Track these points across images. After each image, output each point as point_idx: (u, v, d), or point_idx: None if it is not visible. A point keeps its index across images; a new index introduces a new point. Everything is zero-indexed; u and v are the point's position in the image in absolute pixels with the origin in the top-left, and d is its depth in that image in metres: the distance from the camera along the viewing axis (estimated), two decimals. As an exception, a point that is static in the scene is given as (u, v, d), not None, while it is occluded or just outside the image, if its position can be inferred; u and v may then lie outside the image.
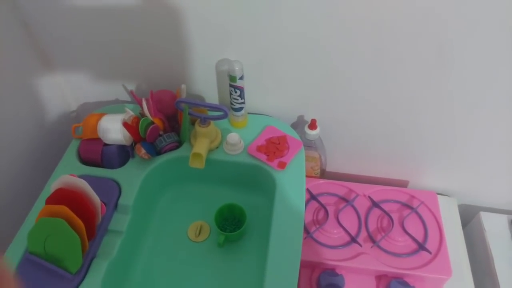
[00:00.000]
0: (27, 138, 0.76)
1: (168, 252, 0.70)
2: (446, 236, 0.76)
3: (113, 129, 0.69)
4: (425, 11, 0.58)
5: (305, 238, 0.75)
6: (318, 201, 0.81)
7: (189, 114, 0.70)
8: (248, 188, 0.75)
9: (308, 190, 0.82)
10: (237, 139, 0.71)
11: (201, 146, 0.68)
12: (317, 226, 0.78)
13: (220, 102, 0.80)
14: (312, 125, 0.76)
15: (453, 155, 0.81)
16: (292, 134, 0.75)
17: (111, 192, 0.67)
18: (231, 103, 0.73)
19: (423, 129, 0.76)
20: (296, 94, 0.76)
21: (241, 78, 0.68)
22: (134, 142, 0.71)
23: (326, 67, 0.69)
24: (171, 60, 0.74)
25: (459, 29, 0.59)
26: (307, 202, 0.81)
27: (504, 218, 0.84)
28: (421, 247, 0.74)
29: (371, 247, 0.74)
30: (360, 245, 0.74)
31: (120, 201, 0.66)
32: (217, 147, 0.73)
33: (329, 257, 0.73)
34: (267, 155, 0.71)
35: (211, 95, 0.79)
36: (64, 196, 0.59)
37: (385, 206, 0.80)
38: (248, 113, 0.78)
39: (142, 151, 0.69)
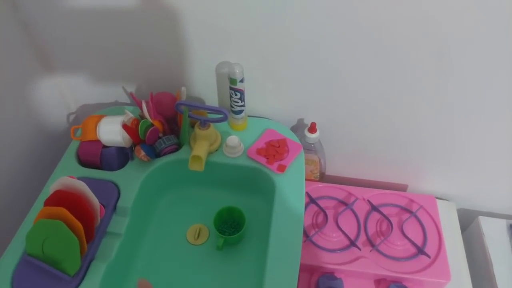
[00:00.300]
0: (26, 140, 0.75)
1: (167, 255, 0.70)
2: (445, 241, 0.76)
3: (112, 131, 0.69)
4: (425, 16, 0.58)
5: (304, 241, 0.75)
6: (318, 205, 0.81)
7: (189, 116, 0.70)
8: (247, 191, 0.75)
9: (307, 194, 0.82)
10: (237, 142, 0.71)
11: (200, 149, 0.68)
12: (316, 229, 0.78)
13: (220, 104, 0.80)
14: (312, 128, 0.76)
15: (452, 160, 0.81)
16: (292, 137, 0.75)
17: (110, 194, 0.66)
18: (231, 106, 0.73)
19: (422, 133, 0.77)
20: (296, 97, 0.76)
21: (241, 81, 0.68)
22: (134, 144, 0.71)
23: (326, 71, 0.69)
24: (171, 63, 0.74)
25: (459, 34, 0.59)
26: (306, 206, 0.81)
27: (503, 223, 0.85)
28: (420, 251, 0.74)
29: (370, 251, 0.74)
30: (359, 249, 0.74)
31: (119, 203, 0.66)
32: (216, 150, 0.73)
33: (328, 260, 0.73)
34: (267, 158, 0.71)
35: (211, 98, 0.79)
36: (63, 198, 0.59)
37: (384, 210, 0.80)
38: (248, 116, 0.78)
39: (141, 153, 0.68)
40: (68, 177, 0.61)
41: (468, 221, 0.90)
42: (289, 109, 0.79)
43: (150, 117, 0.70)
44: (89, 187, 0.60)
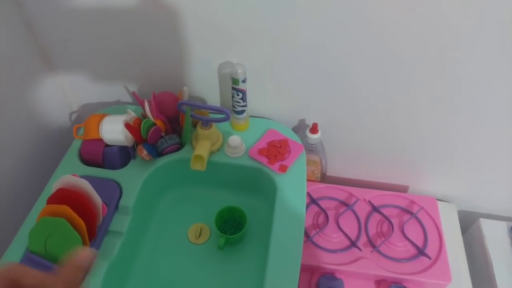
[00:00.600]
0: (29, 138, 0.76)
1: (168, 254, 0.70)
2: (446, 242, 0.76)
3: (114, 130, 0.69)
4: (427, 17, 0.58)
5: (305, 241, 0.75)
6: (318, 205, 0.81)
7: (191, 116, 0.71)
8: (249, 191, 0.75)
9: (308, 194, 0.82)
10: (239, 142, 0.71)
11: (202, 148, 0.68)
12: (317, 230, 0.78)
13: (222, 104, 0.81)
14: (314, 129, 0.76)
15: (453, 161, 0.81)
16: (293, 137, 0.75)
17: (112, 193, 0.67)
18: (233, 106, 0.73)
19: (423, 135, 0.77)
20: (297, 98, 0.76)
21: (243, 81, 0.69)
22: (136, 143, 0.72)
23: (328, 72, 0.69)
24: (174, 62, 0.74)
25: (461, 36, 0.59)
26: (307, 206, 0.81)
27: (503, 225, 0.85)
28: (420, 252, 0.74)
29: (371, 251, 0.74)
30: (360, 250, 0.74)
31: (121, 202, 0.66)
32: (218, 150, 0.73)
33: (329, 261, 0.73)
34: (268, 158, 0.71)
35: (213, 98, 0.80)
36: (66, 196, 0.59)
37: (385, 211, 0.80)
38: (250, 116, 0.78)
39: (143, 152, 0.69)
40: (71, 175, 0.61)
41: (468, 223, 0.90)
42: (290, 109, 0.79)
43: (153, 116, 0.71)
44: (91, 185, 0.60)
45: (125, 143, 0.70)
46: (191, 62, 0.73)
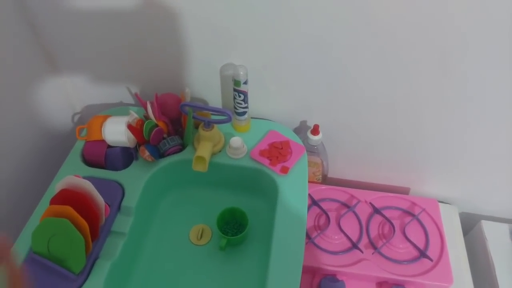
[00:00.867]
0: (32, 139, 0.76)
1: (170, 255, 0.70)
2: (447, 244, 0.76)
3: (117, 131, 0.69)
4: (429, 19, 0.58)
5: (306, 243, 0.75)
6: (320, 207, 0.81)
7: (193, 117, 0.71)
8: (250, 192, 0.75)
9: (309, 196, 0.82)
10: (240, 143, 0.71)
11: (204, 150, 0.69)
12: (319, 231, 0.78)
13: (223, 106, 0.81)
14: (315, 130, 0.76)
15: (455, 163, 0.81)
16: (295, 139, 0.75)
17: (115, 194, 0.67)
18: (235, 108, 0.73)
19: (425, 137, 0.77)
20: (299, 99, 0.76)
21: (245, 82, 0.69)
22: (138, 145, 0.72)
23: (329, 73, 0.70)
24: (176, 64, 0.75)
25: (463, 39, 0.59)
26: (308, 208, 0.81)
27: (505, 227, 0.84)
28: (422, 254, 0.74)
29: (372, 253, 0.74)
30: (362, 251, 0.74)
31: (123, 203, 0.66)
32: (220, 151, 0.73)
33: (330, 262, 0.73)
34: (270, 160, 0.71)
35: (215, 99, 0.80)
36: (69, 197, 0.60)
37: (387, 213, 0.80)
38: (251, 118, 0.78)
39: (145, 153, 0.69)
40: (74, 176, 0.61)
41: (470, 225, 0.90)
42: (292, 110, 0.79)
43: (155, 117, 0.71)
44: (94, 186, 0.61)
45: (128, 144, 0.70)
46: (193, 63, 0.74)
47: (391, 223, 0.78)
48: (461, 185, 0.86)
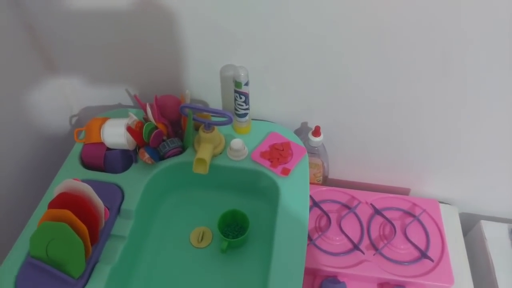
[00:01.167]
0: (30, 142, 0.75)
1: (171, 258, 0.70)
2: (448, 245, 0.76)
3: (116, 134, 0.69)
4: (429, 19, 0.58)
5: (307, 245, 0.75)
6: (321, 208, 0.81)
7: (193, 119, 0.70)
8: (251, 194, 0.75)
9: (310, 197, 0.82)
10: (241, 145, 0.71)
11: (204, 152, 0.68)
12: (320, 233, 0.78)
13: (224, 107, 0.81)
14: (316, 132, 0.76)
15: (455, 164, 0.81)
16: (295, 140, 0.75)
17: (114, 197, 0.66)
18: (236, 109, 0.73)
19: (425, 137, 0.77)
20: (300, 101, 0.76)
21: (246, 84, 0.69)
22: (138, 147, 0.71)
23: (330, 74, 0.69)
24: (175, 65, 0.74)
25: (463, 39, 0.59)
26: (309, 209, 0.81)
27: (504, 227, 0.85)
28: (423, 255, 0.74)
29: (374, 254, 0.74)
30: (363, 253, 0.74)
31: (123, 206, 0.66)
32: (220, 153, 0.73)
33: (331, 264, 0.73)
34: (271, 162, 0.71)
35: (215, 101, 0.80)
36: (67, 201, 0.59)
37: (387, 214, 0.80)
38: (252, 119, 0.78)
39: (145, 156, 0.68)
40: (73, 179, 0.60)
41: (470, 225, 0.90)
42: (293, 112, 0.79)
43: (154, 119, 0.70)
44: (93, 189, 0.60)
45: (127, 147, 0.69)
46: (193, 65, 0.73)
47: (392, 224, 0.78)
48: (461, 185, 0.86)
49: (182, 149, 0.73)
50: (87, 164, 0.72)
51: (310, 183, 0.80)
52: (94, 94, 0.83)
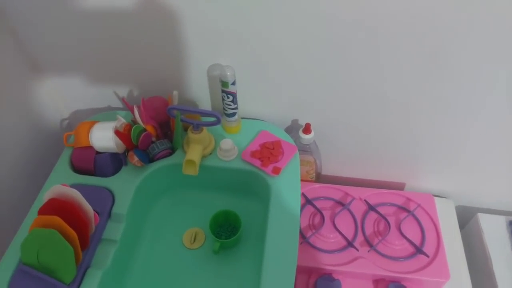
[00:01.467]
0: (18, 147, 0.75)
1: (163, 260, 0.70)
2: (444, 238, 0.75)
3: (105, 137, 0.68)
4: (420, 16, 0.57)
5: (301, 243, 0.75)
6: (314, 206, 0.80)
7: (182, 120, 0.70)
8: (242, 194, 0.74)
9: (303, 195, 0.82)
10: (231, 145, 0.70)
11: (194, 153, 0.68)
12: (313, 230, 0.77)
13: (213, 107, 0.80)
14: (307, 129, 0.75)
15: (450, 156, 0.80)
16: (286, 139, 0.74)
17: (105, 201, 0.66)
18: (224, 109, 0.72)
19: (418, 131, 0.76)
20: (289, 98, 0.75)
21: (233, 83, 0.68)
22: (127, 150, 0.71)
23: (320, 71, 0.68)
24: (163, 66, 0.73)
25: (454, 32, 0.58)
26: (302, 207, 0.80)
27: (502, 219, 0.84)
28: (418, 250, 0.73)
29: (368, 251, 0.74)
30: (357, 250, 0.74)
31: (114, 209, 0.65)
32: (210, 154, 0.72)
33: (326, 262, 0.73)
34: (262, 161, 0.70)
35: (204, 101, 0.79)
36: (57, 206, 0.59)
37: (382, 210, 0.79)
38: (242, 118, 0.77)
39: (134, 158, 0.68)
40: (61, 185, 0.60)
41: (467, 218, 0.89)
42: (283, 110, 0.78)
43: (142, 122, 0.70)
44: (83, 194, 0.60)
45: (116, 150, 0.69)
46: (180, 65, 0.72)
47: (387, 220, 0.77)
48: (457, 178, 0.85)
49: (172, 151, 0.73)
50: (77, 168, 0.72)
51: (303, 181, 0.80)
52: (82, 97, 0.82)
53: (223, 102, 0.71)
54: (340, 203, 0.81)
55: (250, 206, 0.74)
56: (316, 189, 0.83)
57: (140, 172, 0.70)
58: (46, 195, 0.61)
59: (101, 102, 0.83)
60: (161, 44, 0.69)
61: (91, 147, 0.70)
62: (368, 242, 0.75)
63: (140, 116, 0.69)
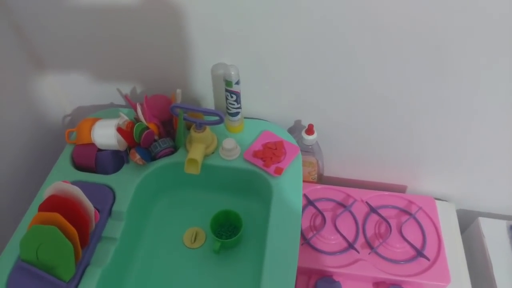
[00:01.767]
0: (21, 143, 0.75)
1: (163, 259, 0.69)
2: (444, 242, 0.75)
3: (107, 135, 0.68)
4: (423, 16, 0.57)
5: (302, 244, 0.74)
6: (315, 207, 0.80)
7: (184, 119, 0.70)
8: (244, 194, 0.74)
9: (305, 196, 0.81)
10: (233, 145, 0.70)
11: (196, 152, 0.67)
12: (314, 232, 0.77)
13: (216, 106, 0.80)
14: (309, 130, 0.75)
15: (452, 160, 0.80)
16: (289, 139, 0.74)
17: (105, 199, 0.66)
18: (227, 108, 0.72)
19: (421, 134, 0.76)
20: (293, 99, 0.75)
21: (237, 83, 0.68)
22: (129, 148, 0.71)
23: (323, 72, 0.68)
24: (166, 64, 0.73)
25: (457, 35, 0.58)
26: (304, 208, 0.80)
27: (503, 224, 0.84)
28: (419, 253, 0.73)
29: (369, 253, 0.74)
30: (358, 252, 0.73)
31: (114, 207, 0.65)
32: (212, 153, 0.72)
33: (327, 263, 0.72)
34: (264, 161, 0.70)
35: (207, 100, 0.79)
36: (57, 203, 0.59)
37: (383, 212, 0.79)
38: (244, 118, 0.77)
39: (136, 156, 0.68)
40: (62, 181, 0.60)
41: (467, 222, 0.89)
42: (286, 110, 0.78)
43: (145, 120, 0.70)
44: (84, 191, 0.59)
45: (118, 148, 0.69)
46: (184, 63, 0.72)
47: (388, 222, 0.77)
48: (458, 182, 0.85)
49: (174, 149, 0.72)
50: (78, 165, 0.72)
51: (305, 181, 0.79)
52: (85, 94, 0.82)
53: (226, 101, 0.71)
54: (341, 204, 0.81)
55: (251, 206, 0.73)
56: (317, 190, 0.83)
57: (142, 170, 0.70)
58: (46, 191, 0.60)
59: (104, 99, 0.82)
60: (165, 43, 0.69)
61: (92, 144, 0.69)
62: (369, 244, 0.75)
63: (143, 114, 0.69)
